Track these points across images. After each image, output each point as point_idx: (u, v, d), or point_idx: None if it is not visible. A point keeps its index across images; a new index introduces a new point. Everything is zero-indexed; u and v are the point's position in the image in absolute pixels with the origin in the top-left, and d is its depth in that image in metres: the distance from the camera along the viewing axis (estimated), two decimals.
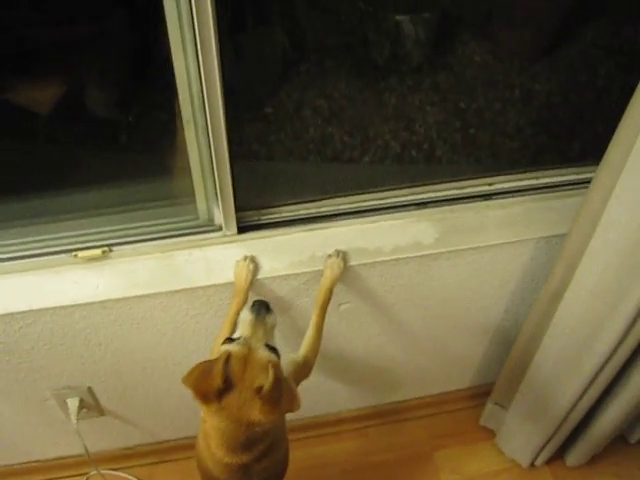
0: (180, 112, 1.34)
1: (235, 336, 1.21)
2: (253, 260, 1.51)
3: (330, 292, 1.50)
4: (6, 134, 1.73)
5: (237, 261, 1.50)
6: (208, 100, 1.26)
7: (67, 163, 1.77)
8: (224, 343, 1.19)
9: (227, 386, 1.12)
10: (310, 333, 1.48)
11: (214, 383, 1.11)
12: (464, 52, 2.37)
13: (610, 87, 2.29)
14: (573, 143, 2.18)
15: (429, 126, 2.20)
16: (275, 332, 1.28)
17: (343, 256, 1.53)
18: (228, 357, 1.14)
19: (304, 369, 1.44)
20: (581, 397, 1.72)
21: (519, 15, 2.32)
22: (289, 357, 1.42)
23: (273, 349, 1.20)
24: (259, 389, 1.11)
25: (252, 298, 1.51)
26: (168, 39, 1.22)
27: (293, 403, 1.16)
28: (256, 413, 1.12)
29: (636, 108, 1.20)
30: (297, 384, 1.40)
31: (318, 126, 2.17)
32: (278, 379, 1.13)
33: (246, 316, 1.23)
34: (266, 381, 1.10)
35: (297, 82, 2.24)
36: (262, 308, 1.25)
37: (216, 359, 1.14)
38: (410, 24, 2.19)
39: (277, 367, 1.16)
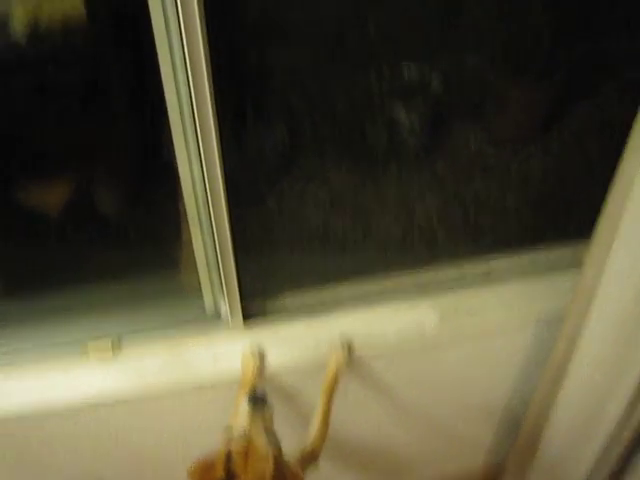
0: (185, 209, 1.40)
1: (236, 429, 1.23)
2: (259, 351, 1.54)
3: (336, 381, 1.51)
4: (16, 234, 1.79)
5: (244, 353, 1.53)
6: (212, 199, 1.31)
7: (76, 260, 1.81)
8: (225, 434, 1.21)
9: (230, 479, 1.14)
10: (317, 421, 1.48)
11: (217, 477, 1.13)
12: (459, 138, 2.44)
13: (605, 164, 2.35)
14: (572, 221, 2.22)
15: (429, 212, 2.25)
16: (278, 420, 1.30)
17: (348, 345, 1.55)
18: (229, 450, 1.16)
19: (312, 456, 1.44)
20: (595, 471, 1.71)
21: (510, 102, 2.40)
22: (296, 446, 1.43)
23: (273, 437, 1.22)
24: (262, 478, 1.12)
25: (258, 389, 1.53)
26: (172, 140, 1.29)
27: None
28: None
29: (620, 187, 1.25)
30: (304, 471, 1.41)
31: (320, 216, 2.22)
32: (279, 466, 1.14)
33: (244, 409, 1.25)
34: (267, 469, 1.12)
35: (298, 174, 2.30)
36: (259, 400, 1.27)
37: (218, 452, 1.16)
38: (405, 113, 2.27)
39: (277, 454, 1.18)
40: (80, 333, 1.56)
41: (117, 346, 1.54)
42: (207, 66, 1.14)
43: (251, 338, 1.56)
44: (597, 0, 2.21)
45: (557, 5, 2.21)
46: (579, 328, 1.47)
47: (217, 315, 1.58)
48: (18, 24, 1.70)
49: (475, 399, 1.86)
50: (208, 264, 1.49)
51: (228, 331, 1.57)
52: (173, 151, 1.31)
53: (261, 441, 1.19)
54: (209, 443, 1.64)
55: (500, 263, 1.71)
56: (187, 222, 1.43)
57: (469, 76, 2.39)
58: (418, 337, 1.58)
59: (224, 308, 1.55)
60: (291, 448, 1.37)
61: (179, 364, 1.53)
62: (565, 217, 2.24)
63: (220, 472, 1.13)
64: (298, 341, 1.57)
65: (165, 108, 1.23)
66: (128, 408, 1.53)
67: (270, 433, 1.22)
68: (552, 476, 1.84)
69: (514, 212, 2.26)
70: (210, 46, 1.14)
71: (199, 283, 1.54)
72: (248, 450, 1.17)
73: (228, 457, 1.15)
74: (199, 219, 1.40)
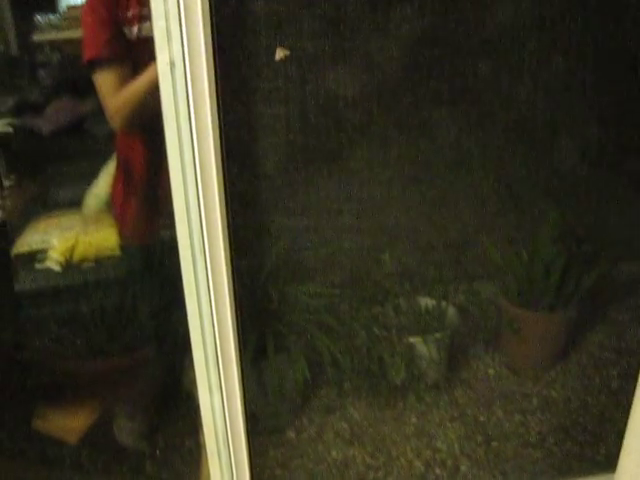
0: (204, 443, 1.41)
1: None
2: None
3: None
4: (35, 461, 1.78)
5: None
6: (232, 434, 1.33)
7: None
8: None
9: None
10: None
11: None
12: (478, 366, 2.46)
13: (626, 388, 2.33)
14: (597, 447, 2.18)
15: (451, 442, 2.22)
16: None
17: None
18: None
19: None
20: None
21: (524, 326, 2.45)
22: None
23: None
24: None
25: None
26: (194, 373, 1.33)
27: None
28: None
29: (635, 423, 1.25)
30: None
31: (340, 448, 2.19)
32: None
33: None
34: None
35: (318, 405, 2.31)
36: None
37: None
38: (423, 344, 2.31)
39: None
40: None
41: None
42: (231, 305, 1.21)
43: None
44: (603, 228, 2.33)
45: (566, 237, 2.32)
46: None
47: None
48: (55, 258, 1.81)
49: None
50: None
51: None
52: (195, 384, 1.34)
53: None
54: None
55: None
56: (206, 456, 1.43)
57: (484, 306, 2.46)
58: None
59: None
60: None
61: None
62: (589, 446, 2.19)
63: None
64: None
65: (189, 341, 1.29)
66: None
67: None
68: None
69: (540, 439, 2.22)
70: (234, 286, 1.22)
71: None
72: None
73: None
74: (218, 453, 1.40)
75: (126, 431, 1.98)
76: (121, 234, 1.81)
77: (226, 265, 1.19)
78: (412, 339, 2.32)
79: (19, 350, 1.77)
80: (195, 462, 1.59)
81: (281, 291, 2.09)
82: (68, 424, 1.88)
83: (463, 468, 2.15)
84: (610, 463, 1.56)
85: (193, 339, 1.28)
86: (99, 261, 1.84)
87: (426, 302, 2.40)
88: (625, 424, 1.32)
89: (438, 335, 2.35)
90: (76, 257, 1.83)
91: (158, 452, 1.93)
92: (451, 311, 2.43)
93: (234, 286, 1.22)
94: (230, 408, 1.30)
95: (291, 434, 2.23)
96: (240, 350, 1.25)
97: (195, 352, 1.30)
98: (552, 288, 2.35)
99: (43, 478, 1.79)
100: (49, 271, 1.84)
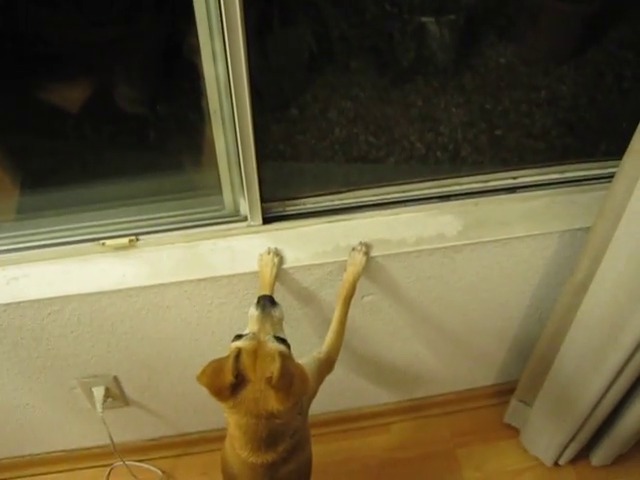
0: (207, 105, 1.37)
1: (244, 332, 1.23)
2: (277, 253, 1.53)
3: (353, 287, 1.50)
4: (38, 131, 1.78)
5: (261, 255, 1.52)
6: (235, 92, 1.28)
7: (96, 157, 1.80)
8: (234, 340, 1.20)
9: (240, 381, 1.14)
10: (333, 327, 1.48)
11: (226, 379, 1.13)
12: (490, 54, 2.37)
13: (637, 88, 2.28)
14: (599, 142, 2.17)
15: (454, 127, 2.20)
16: (295, 323, 1.28)
17: (366, 249, 1.53)
18: (238, 353, 1.15)
19: (327, 364, 1.45)
20: (606, 393, 1.71)
21: (545, 17, 2.32)
22: (311, 355, 1.43)
23: (282, 340, 1.22)
24: (270, 379, 1.12)
25: (277, 290, 1.52)
26: (197, 35, 1.25)
27: (304, 384, 1.17)
28: (272, 403, 1.14)
29: None
30: (321, 379, 1.43)
31: (343, 127, 2.18)
32: (285, 366, 1.14)
33: (253, 312, 1.25)
34: (274, 369, 1.12)
35: (323, 83, 2.26)
36: (267, 302, 1.27)
37: (227, 356, 1.16)
38: (435, 25, 2.20)
39: (284, 355, 1.17)
40: (98, 229, 1.56)
41: (135, 242, 1.54)
42: None
43: (270, 237, 1.55)
44: None
45: None
46: (604, 244, 1.44)
47: (236, 214, 1.56)
48: None
49: (492, 313, 1.85)
50: (229, 161, 1.46)
51: (247, 229, 1.55)
52: (198, 47, 1.27)
53: (270, 343, 1.19)
54: (223, 338, 1.67)
55: (526, 176, 1.67)
56: (209, 120, 1.40)
57: None
58: (438, 243, 1.56)
59: (244, 207, 1.53)
60: (307, 359, 1.39)
61: (196, 257, 1.53)
62: (596, 138, 2.19)
63: (229, 376, 1.13)
64: (317, 242, 1.55)
65: (191, 2, 1.20)
66: (145, 295, 1.54)
67: (278, 335, 1.22)
68: (560, 400, 1.84)
69: (544, 131, 2.21)
70: None
71: (219, 181, 1.52)
72: (257, 353, 1.17)
73: (237, 359, 1.14)
74: (221, 112, 1.37)
75: (127, 99, 1.95)
76: None
77: None
78: (424, 19, 2.20)
79: (13, 19, 1.68)
80: (198, 127, 1.56)
81: None
82: (67, 94, 1.84)
83: (463, 152, 2.16)
84: (611, 152, 1.56)
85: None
86: None
87: None
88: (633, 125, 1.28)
89: (452, 17, 2.22)
90: None
91: (159, 115, 1.91)
92: None
93: None
94: (234, 69, 1.24)
95: (294, 111, 2.20)
96: (244, 13, 1.16)
97: (198, 15, 1.21)
98: None
99: (48, 149, 1.79)
100: None
